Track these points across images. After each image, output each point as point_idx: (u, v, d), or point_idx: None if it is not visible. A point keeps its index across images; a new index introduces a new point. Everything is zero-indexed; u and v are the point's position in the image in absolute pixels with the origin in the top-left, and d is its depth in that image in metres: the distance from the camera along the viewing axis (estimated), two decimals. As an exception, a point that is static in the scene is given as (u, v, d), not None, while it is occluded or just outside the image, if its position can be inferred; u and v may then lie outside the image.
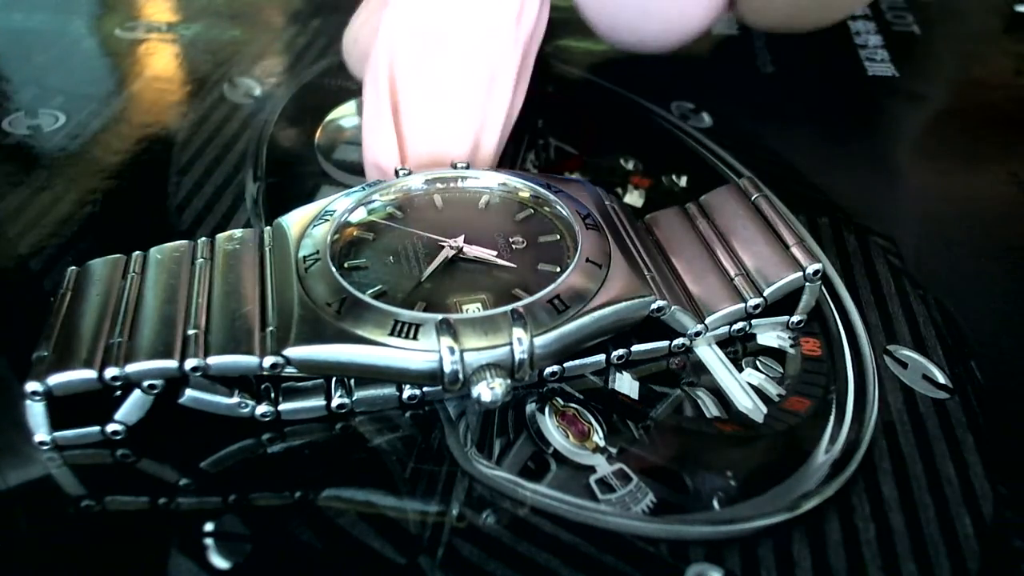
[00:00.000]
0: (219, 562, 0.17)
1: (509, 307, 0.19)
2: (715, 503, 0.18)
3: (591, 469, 0.19)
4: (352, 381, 0.20)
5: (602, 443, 0.19)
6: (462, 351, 0.18)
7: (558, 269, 0.20)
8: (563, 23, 0.36)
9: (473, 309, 0.19)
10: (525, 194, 0.23)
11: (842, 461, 0.19)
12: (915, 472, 0.19)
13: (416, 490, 0.18)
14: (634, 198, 0.28)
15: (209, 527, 0.17)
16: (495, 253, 0.21)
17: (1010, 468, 0.19)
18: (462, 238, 0.21)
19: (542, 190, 0.22)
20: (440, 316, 0.18)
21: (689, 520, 0.18)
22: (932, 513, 0.18)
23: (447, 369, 0.18)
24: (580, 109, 0.32)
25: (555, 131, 0.31)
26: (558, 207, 0.22)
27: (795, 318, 0.22)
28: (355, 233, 0.22)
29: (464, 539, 0.17)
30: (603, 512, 0.18)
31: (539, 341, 0.18)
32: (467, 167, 0.23)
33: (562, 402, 0.20)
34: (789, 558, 0.17)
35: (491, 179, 0.23)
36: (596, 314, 0.19)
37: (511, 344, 0.18)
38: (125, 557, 0.17)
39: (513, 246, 0.21)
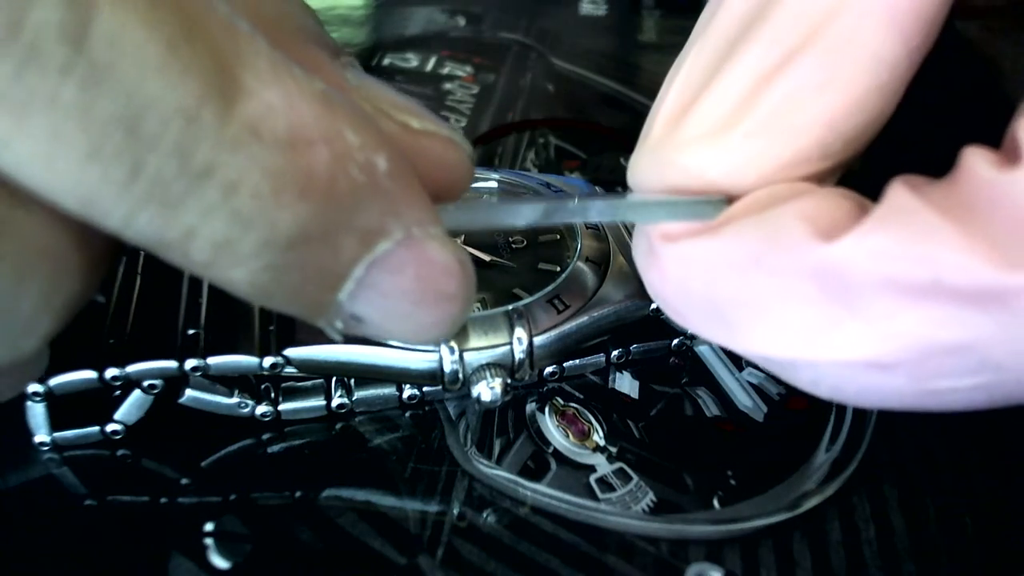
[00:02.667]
0: (219, 562, 0.17)
1: (509, 307, 0.19)
2: (715, 502, 0.18)
3: (591, 468, 0.19)
4: (352, 381, 0.20)
5: (602, 442, 0.19)
6: (462, 351, 0.18)
7: (558, 268, 0.20)
8: (562, 24, 0.36)
9: (473, 309, 0.19)
10: (524, 193, 0.23)
11: (843, 460, 0.19)
12: (916, 471, 0.19)
13: (416, 490, 0.18)
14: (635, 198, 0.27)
15: (209, 527, 0.17)
16: (494, 254, 0.21)
17: (1011, 468, 0.19)
18: (462, 237, 0.21)
19: (542, 191, 0.22)
20: None
21: (689, 519, 0.18)
22: (932, 513, 0.18)
23: (447, 369, 0.18)
24: (580, 107, 0.32)
25: (555, 130, 0.31)
26: None
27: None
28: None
29: (464, 539, 0.17)
30: (603, 511, 0.18)
31: (539, 341, 0.18)
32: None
33: (562, 401, 0.20)
34: (790, 558, 0.17)
35: (491, 179, 0.23)
36: (596, 314, 0.19)
37: (511, 344, 0.18)
38: (125, 557, 0.17)
39: (513, 245, 0.21)
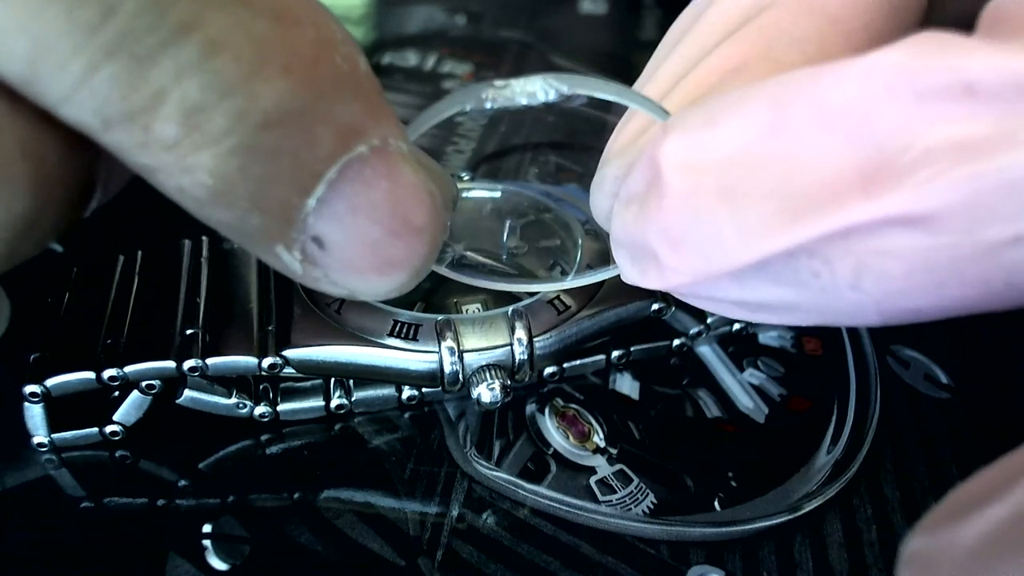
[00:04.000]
0: (217, 563, 0.17)
1: (509, 308, 0.19)
2: (716, 504, 0.18)
3: (591, 470, 0.19)
4: (351, 382, 0.19)
5: (602, 444, 0.19)
6: (462, 352, 0.18)
7: (559, 271, 0.20)
8: (562, 22, 0.36)
9: (473, 310, 0.19)
10: (526, 203, 0.23)
11: (844, 462, 0.19)
12: (917, 473, 0.19)
13: (415, 491, 0.18)
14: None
15: (207, 528, 0.17)
16: (496, 260, 0.21)
17: (1013, 469, 0.19)
18: (463, 244, 0.21)
19: (542, 199, 0.22)
20: (440, 316, 0.18)
21: (690, 521, 0.18)
22: (934, 514, 0.18)
23: (447, 370, 0.18)
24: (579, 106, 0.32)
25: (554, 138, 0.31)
26: (558, 214, 0.22)
27: (796, 318, 0.22)
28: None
29: (464, 541, 0.17)
30: (603, 513, 0.18)
31: (539, 342, 0.18)
32: (471, 178, 0.23)
33: (562, 403, 0.20)
34: (791, 560, 0.17)
35: (494, 188, 0.23)
36: (596, 315, 0.19)
37: (511, 345, 0.18)
38: (123, 559, 0.17)
39: (515, 252, 0.21)
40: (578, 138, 0.32)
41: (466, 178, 0.23)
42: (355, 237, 0.12)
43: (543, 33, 0.35)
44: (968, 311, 0.12)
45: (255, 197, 0.11)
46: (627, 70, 0.34)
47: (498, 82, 0.13)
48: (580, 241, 0.21)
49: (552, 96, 0.13)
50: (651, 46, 0.36)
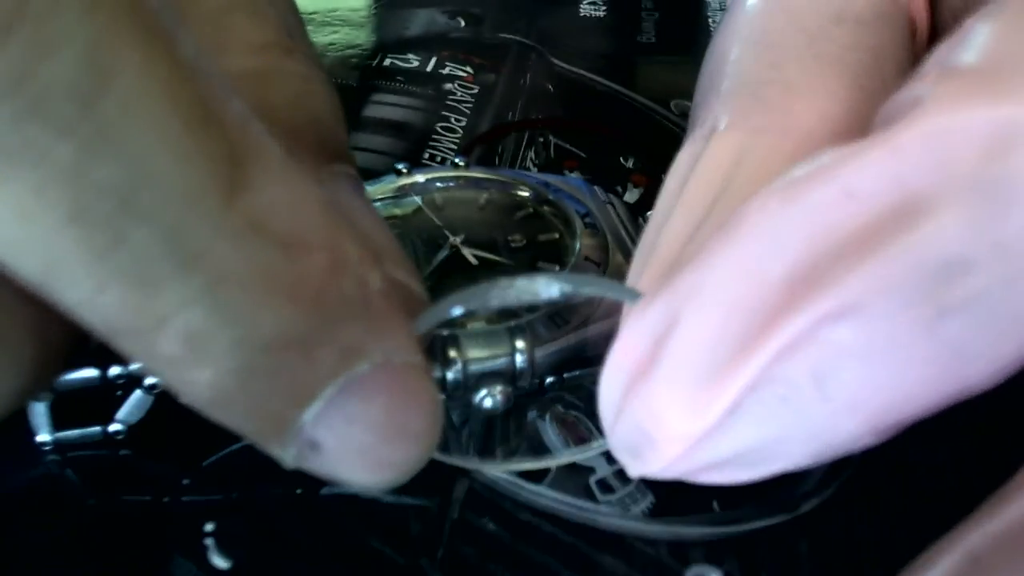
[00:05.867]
0: (219, 562, 0.17)
1: (512, 323, 0.19)
2: (714, 504, 0.18)
3: (591, 470, 0.19)
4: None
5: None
6: (465, 361, 0.18)
7: (557, 268, 0.20)
8: (562, 25, 0.36)
9: (477, 325, 0.19)
10: (524, 193, 0.23)
11: (842, 461, 0.19)
12: (917, 473, 0.19)
13: (415, 491, 0.18)
14: (634, 196, 0.28)
15: (210, 527, 0.17)
16: (494, 252, 0.21)
17: (1011, 468, 0.19)
18: (461, 237, 0.21)
19: (541, 189, 0.22)
20: (445, 331, 0.18)
21: (688, 521, 0.18)
22: (932, 514, 0.18)
23: (449, 378, 0.18)
24: (580, 107, 0.32)
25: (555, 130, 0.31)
26: (557, 206, 0.22)
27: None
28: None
29: (463, 541, 0.17)
30: (603, 513, 0.18)
31: (540, 353, 0.18)
32: (466, 165, 0.23)
33: (563, 409, 0.20)
34: (789, 560, 0.17)
35: (492, 177, 0.23)
36: (596, 327, 0.19)
37: (513, 356, 0.18)
38: (126, 557, 0.17)
39: (512, 244, 0.21)
40: (580, 112, 0.31)
41: (461, 164, 0.23)
42: (350, 444, 0.12)
43: (543, 35, 0.36)
44: (948, 397, 0.13)
45: (251, 409, 0.11)
46: (626, 72, 0.34)
47: (503, 281, 0.14)
48: (579, 234, 0.21)
49: (556, 294, 0.14)
50: (650, 49, 0.36)
